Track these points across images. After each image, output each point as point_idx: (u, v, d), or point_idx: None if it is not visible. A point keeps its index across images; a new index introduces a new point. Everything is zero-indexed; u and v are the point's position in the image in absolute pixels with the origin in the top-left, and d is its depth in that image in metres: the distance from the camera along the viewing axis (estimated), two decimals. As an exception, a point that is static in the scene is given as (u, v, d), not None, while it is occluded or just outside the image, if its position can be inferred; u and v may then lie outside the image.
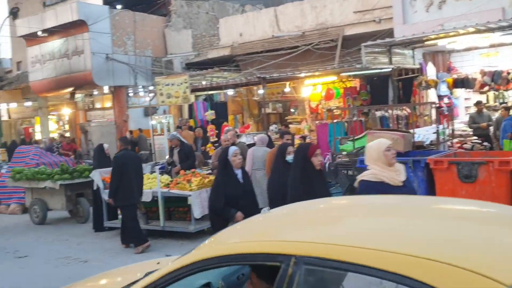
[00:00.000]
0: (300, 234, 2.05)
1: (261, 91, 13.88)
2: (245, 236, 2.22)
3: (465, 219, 2.13)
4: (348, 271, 1.78)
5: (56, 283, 5.97)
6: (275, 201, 4.71)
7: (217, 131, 15.61)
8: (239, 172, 5.21)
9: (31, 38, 17.18)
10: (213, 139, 14.93)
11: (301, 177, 4.48)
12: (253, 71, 14.90)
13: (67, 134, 19.85)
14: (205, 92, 17.52)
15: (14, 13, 19.00)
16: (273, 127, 12.70)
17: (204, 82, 16.39)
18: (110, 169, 8.90)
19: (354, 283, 2.01)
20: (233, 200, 4.95)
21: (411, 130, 8.47)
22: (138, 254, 7.02)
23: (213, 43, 17.27)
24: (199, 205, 7.32)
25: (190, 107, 18.10)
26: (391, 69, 11.51)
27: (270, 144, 9.16)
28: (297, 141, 10.96)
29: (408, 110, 11.11)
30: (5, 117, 21.53)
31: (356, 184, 4.04)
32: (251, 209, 4.76)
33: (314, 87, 14.29)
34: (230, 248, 2.08)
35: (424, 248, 1.70)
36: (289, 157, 5.19)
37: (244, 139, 13.69)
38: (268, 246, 1.95)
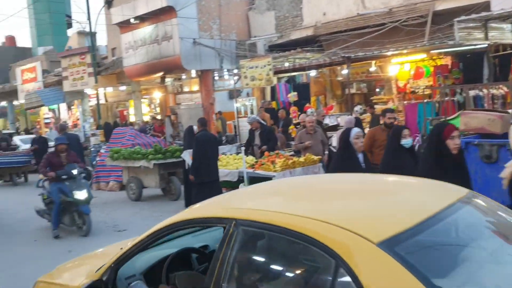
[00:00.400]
0: (242, 203, 2.66)
1: (345, 71, 13.62)
2: (206, 205, 2.84)
3: (370, 192, 2.69)
4: (266, 230, 2.26)
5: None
6: None
7: (299, 113, 15.63)
8: (360, 156, 4.82)
9: (125, 26, 18.22)
10: (295, 120, 14.98)
11: (435, 164, 3.75)
12: (337, 50, 14.64)
13: (158, 117, 20.96)
14: (288, 74, 17.56)
15: (109, 2, 20.20)
16: (357, 108, 12.45)
17: (286, 64, 16.41)
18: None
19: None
20: None
21: (510, 111, 7.91)
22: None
23: (296, 24, 17.18)
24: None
25: (273, 89, 18.26)
26: (487, 45, 10.76)
27: (358, 125, 9.08)
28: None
29: (505, 89, 10.34)
30: (102, 101, 23.10)
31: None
32: None
33: (401, 66, 13.77)
34: (192, 213, 2.73)
35: (320, 213, 2.21)
36: (405, 141, 4.79)
37: (327, 121, 13.61)
38: (218, 211, 2.55)
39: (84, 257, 3.67)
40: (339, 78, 16.85)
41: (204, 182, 7.74)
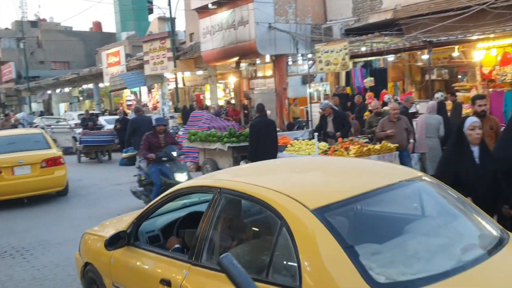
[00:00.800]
0: (227, 177, 3.37)
1: (425, 56, 13.07)
2: (203, 177, 3.85)
3: (327, 171, 3.37)
4: (239, 196, 2.98)
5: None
6: (443, 176, 3.97)
7: (375, 99, 15.25)
8: (475, 150, 4.16)
9: (203, 11, 18.66)
10: (371, 107, 14.64)
11: (453, 152, 4.20)
12: (417, 34, 14.03)
13: (232, 101, 21.38)
14: (364, 59, 17.13)
15: (188, -11, 20.78)
16: (438, 95, 11.89)
17: (363, 48, 15.99)
18: (273, 134, 9.46)
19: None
20: (463, 183, 3.89)
21: None
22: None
23: (375, 7, 16.66)
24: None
25: (348, 74, 17.93)
26: None
27: (441, 111, 8.81)
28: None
29: None
30: (180, 85, 23.94)
31: None
32: (489, 200, 3.87)
33: (487, 51, 12.94)
34: (192, 183, 3.55)
35: (277, 185, 2.83)
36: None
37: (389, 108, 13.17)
38: (207, 182, 3.33)
39: (123, 216, 4.37)
40: (419, 64, 16.17)
41: None
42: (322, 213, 2.46)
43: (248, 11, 16.46)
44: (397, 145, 8.01)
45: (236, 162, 10.73)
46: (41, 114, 36.16)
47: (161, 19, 35.21)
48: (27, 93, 36.42)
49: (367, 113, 13.23)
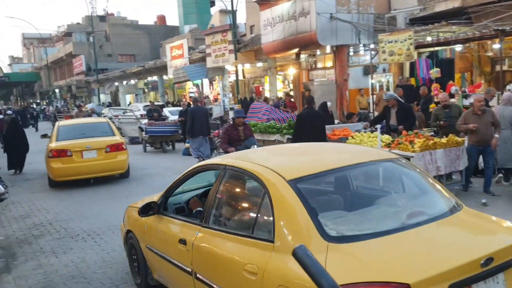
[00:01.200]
0: (232, 158, 4.11)
1: (497, 46, 12.39)
2: (213, 158, 4.63)
3: (309, 153, 4.18)
4: (236, 171, 3.67)
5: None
6: None
7: (442, 91, 14.68)
8: None
9: (264, 3, 18.72)
10: (437, 99, 14.11)
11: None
12: (488, 23, 13.32)
13: (291, 93, 21.35)
14: (429, 49, 16.50)
15: (249, -19, 20.88)
16: (510, 87, 11.27)
17: (429, 38, 15.40)
18: (333, 126, 9.42)
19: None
20: None
21: None
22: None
23: (442, -5, 15.96)
24: (422, 167, 7.17)
25: (412, 65, 17.35)
26: None
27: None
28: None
29: None
30: (240, 77, 24.21)
31: None
32: None
33: None
34: (205, 163, 4.28)
35: (266, 162, 3.54)
36: None
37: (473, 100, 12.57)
38: (216, 161, 4.12)
39: (161, 192, 4.83)
40: (489, 54, 15.35)
41: None
42: (296, 183, 3.15)
43: (309, 2, 16.31)
44: (464, 138, 7.69)
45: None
46: (109, 105, 37.93)
47: (223, 12, 35.67)
48: (96, 85, 38.32)
49: (433, 105, 12.79)
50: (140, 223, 4.67)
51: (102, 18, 56.50)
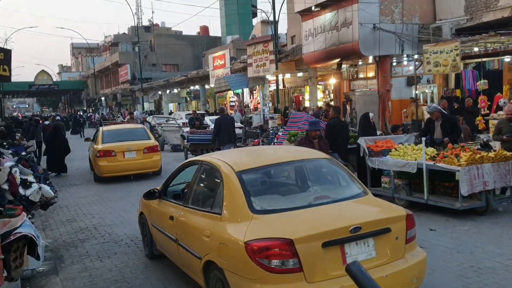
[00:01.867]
0: (209, 156, 5.27)
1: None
2: (195, 157, 6.85)
3: (263, 153, 5.65)
4: (207, 165, 4.93)
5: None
6: None
7: (489, 103, 14.23)
8: None
9: (306, 14, 18.77)
10: (484, 111, 13.68)
11: None
12: (540, 33, 12.83)
13: (332, 103, 21.20)
14: (476, 60, 16.05)
15: (291, -8, 20.99)
16: None
17: (476, 49, 14.99)
18: (375, 137, 9.29)
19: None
20: None
21: None
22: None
23: (490, 5, 15.49)
24: (468, 182, 6.96)
25: (458, 76, 16.91)
26: None
27: None
28: None
29: None
30: (280, 86, 24.31)
31: None
32: None
33: None
34: (190, 160, 5.61)
35: (227, 159, 4.78)
36: None
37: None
38: (197, 158, 5.51)
39: None
40: (541, 65, 14.75)
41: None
42: (241, 173, 4.38)
43: (352, 12, 16.23)
44: (512, 153, 7.41)
45: (336, 165, 10.65)
46: (151, 113, 38.85)
47: (264, 22, 35.97)
48: (140, 94, 39.37)
49: (479, 117, 12.41)
50: (148, 205, 5.99)
51: (148, 29, 58.13)
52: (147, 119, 25.74)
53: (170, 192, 5.75)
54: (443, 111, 9.86)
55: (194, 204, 4.88)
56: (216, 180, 4.62)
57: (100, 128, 14.66)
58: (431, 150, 7.99)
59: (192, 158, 5.93)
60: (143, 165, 12.76)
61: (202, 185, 5.09)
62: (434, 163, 7.48)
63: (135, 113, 30.12)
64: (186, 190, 5.39)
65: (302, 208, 4.11)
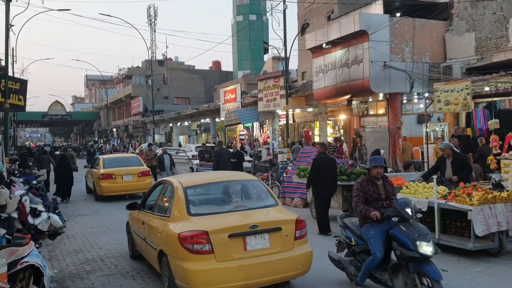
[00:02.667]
0: (169, 178, 7.14)
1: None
2: (161, 179, 7.73)
3: (210, 177, 7.61)
4: (168, 184, 6.67)
5: (334, 278, 6.55)
6: None
7: (500, 142, 14.14)
8: None
9: (317, 50, 19.04)
10: (495, 150, 13.59)
11: None
12: (551, 74, 12.86)
13: (342, 138, 21.18)
14: (487, 99, 16.06)
15: (303, 29, 21.39)
16: None
17: (487, 88, 15.04)
18: (387, 174, 9.21)
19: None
20: None
21: None
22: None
23: (500, 45, 15.64)
24: (482, 222, 6.83)
25: (468, 115, 16.88)
26: None
27: None
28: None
29: None
30: (290, 121, 24.44)
31: None
32: None
33: None
34: (158, 181, 7.47)
35: (181, 179, 6.51)
36: None
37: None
38: (163, 179, 7.36)
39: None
40: (552, 105, 14.71)
41: (319, 196, 9.61)
42: (186, 188, 6.06)
43: (362, 50, 16.45)
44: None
45: (346, 201, 10.55)
46: (161, 145, 39.11)
47: (275, 58, 36.53)
48: (152, 125, 39.74)
49: (491, 157, 12.32)
50: (131, 216, 7.77)
51: (161, 63, 59.30)
52: (157, 151, 25.81)
53: (146, 204, 7.21)
54: (455, 149, 9.80)
55: (157, 211, 6.56)
56: (171, 193, 6.28)
57: (100, 156, 17.62)
58: (442, 189, 7.90)
59: (160, 179, 7.50)
60: (137, 186, 15.22)
61: (163, 197, 6.68)
62: (446, 202, 7.38)
63: (144, 144, 30.27)
64: (153, 202, 6.94)
65: (223, 213, 5.87)
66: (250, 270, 5.23)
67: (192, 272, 5.12)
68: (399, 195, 8.27)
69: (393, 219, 5.39)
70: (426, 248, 5.02)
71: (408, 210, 5.28)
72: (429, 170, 9.72)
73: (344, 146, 18.19)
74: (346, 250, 6.20)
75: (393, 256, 5.50)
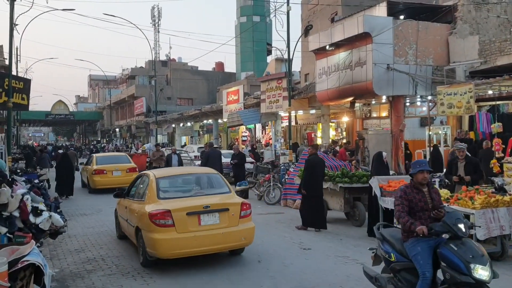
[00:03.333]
0: (146, 171, 9.39)
1: None
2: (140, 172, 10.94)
3: (180, 171, 10.20)
4: (145, 176, 8.48)
5: (335, 279, 6.55)
6: None
7: (503, 146, 14.09)
8: None
9: (320, 52, 19.04)
10: (498, 154, 13.54)
11: None
12: (555, 78, 12.83)
13: (344, 141, 21.16)
14: (490, 103, 16.04)
15: (306, 31, 21.37)
16: None
17: (490, 92, 15.02)
18: (388, 177, 9.20)
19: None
20: None
21: None
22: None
23: (504, 49, 15.63)
24: (484, 226, 6.80)
25: (472, 118, 16.85)
26: None
27: None
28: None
29: None
30: (293, 123, 24.43)
31: None
32: None
33: None
34: (139, 174, 9.31)
35: (154, 172, 8.34)
36: None
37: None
38: (141, 173, 9.19)
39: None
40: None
41: (311, 195, 10.00)
42: (158, 179, 7.78)
43: (366, 52, 16.44)
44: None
45: (348, 204, 10.53)
46: (163, 145, 39.13)
47: (278, 60, 36.53)
48: (154, 126, 39.79)
49: (494, 160, 12.27)
50: (118, 203, 9.28)
51: (164, 63, 59.36)
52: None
53: (130, 193, 8.65)
54: (467, 152, 9.74)
55: (136, 197, 8.21)
56: (147, 183, 7.90)
57: (94, 155, 19.80)
58: (445, 192, 7.87)
59: (141, 173, 9.19)
60: (125, 180, 15.86)
61: (141, 186, 8.27)
62: (448, 205, 7.34)
63: (147, 145, 30.25)
64: (134, 191, 8.55)
65: (184, 197, 7.61)
66: (202, 240, 6.91)
67: (158, 241, 6.81)
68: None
69: (443, 235, 4.62)
70: (481, 272, 4.34)
71: (461, 226, 4.56)
72: (445, 174, 9.66)
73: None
74: (383, 265, 5.42)
75: (439, 274, 4.81)
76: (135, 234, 7.57)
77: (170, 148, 25.35)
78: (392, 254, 5.08)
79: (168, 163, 17.06)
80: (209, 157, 14.91)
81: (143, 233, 7.08)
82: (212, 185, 8.25)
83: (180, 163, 17.46)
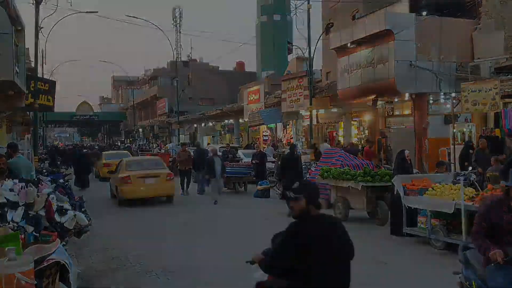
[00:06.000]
0: (126, 159, 17.12)
1: None
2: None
3: (140, 158, 21.43)
4: (121, 161, 16.41)
5: (357, 279, 6.48)
6: None
7: (530, 143, 13.71)
8: None
9: (342, 50, 18.90)
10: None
11: None
12: None
13: (366, 140, 20.92)
14: (517, 99, 15.63)
15: (328, 29, 21.26)
16: None
17: (517, 88, 14.61)
18: (412, 175, 9.08)
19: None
20: None
21: None
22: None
23: (531, 43, 15.23)
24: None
25: (497, 115, 16.46)
26: None
27: None
28: None
29: None
30: (314, 122, 24.30)
31: None
32: None
33: None
34: (121, 160, 16.97)
35: (126, 159, 16.75)
36: None
37: None
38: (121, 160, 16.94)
39: None
40: None
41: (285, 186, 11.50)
42: (127, 162, 15.83)
43: (388, 49, 16.25)
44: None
45: (370, 203, 10.43)
46: (183, 145, 39.43)
47: (299, 58, 36.32)
48: (177, 126, 40.16)
49: (520, 158, 11.94)
50: (111, 178, 16.15)
51: (186, 64, 59.79)
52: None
53: (115, 171, 14.82)
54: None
55: (116, 172, 14.79)
56: (122, 163, 15.09)
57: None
58: (470, 190, 7.73)
59: (120, 159, 16.38)
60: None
61: (120, 166, 14.98)
62: (473, 204, 7.21)
63: (169, 145, 30.50)
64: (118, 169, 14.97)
65: (139, 170, 14.47)
66: (146, 189, 14.00)
67: (122, 190, 13.86)
68: (425, 197, 8.13)
69: None
70: None
71: None
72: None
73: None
74: None
75: None
76: (115, 190, 14.45)
77: (206, 148, 22.17)
78: (473, 282, 4.12)
79: (211, 168, 14.72)
80: (198, 156, 17.22)
81: (118, 187, 14.17)
82: (156, 165, 15.09)
83: (223, 169, 15.07)
